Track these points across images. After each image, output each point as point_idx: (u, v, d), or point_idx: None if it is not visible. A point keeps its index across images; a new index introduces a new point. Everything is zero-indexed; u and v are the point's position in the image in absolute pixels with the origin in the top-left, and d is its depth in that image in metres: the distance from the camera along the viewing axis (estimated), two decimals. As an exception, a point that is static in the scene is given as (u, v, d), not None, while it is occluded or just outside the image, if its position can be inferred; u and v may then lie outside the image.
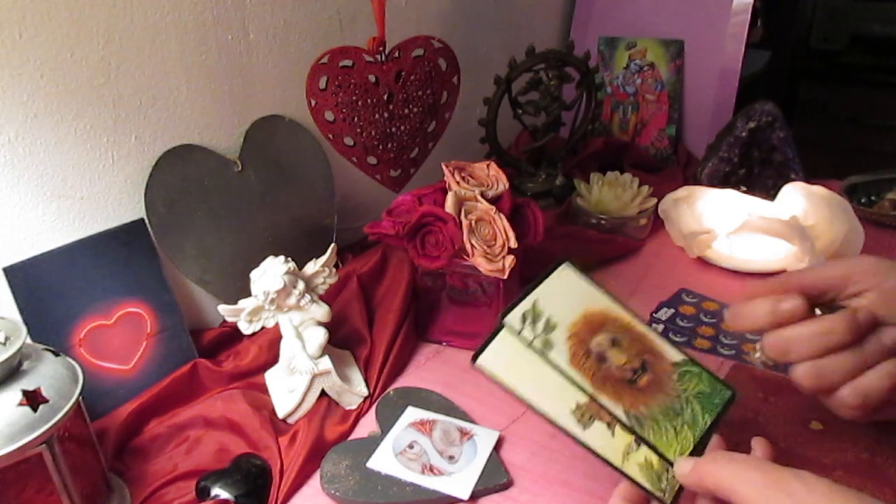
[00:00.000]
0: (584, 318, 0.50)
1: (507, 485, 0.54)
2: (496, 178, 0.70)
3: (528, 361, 0.47)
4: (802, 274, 0.50)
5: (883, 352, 0.47)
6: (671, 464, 0.44)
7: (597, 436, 0.45)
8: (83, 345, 0.62)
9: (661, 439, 0.45)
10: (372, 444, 0.57)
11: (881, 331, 0.47)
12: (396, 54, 0.76)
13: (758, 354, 0.53)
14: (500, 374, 0.47)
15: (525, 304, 0.49)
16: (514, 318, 0.48)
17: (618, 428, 0.46)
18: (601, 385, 0.46)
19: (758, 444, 0.46)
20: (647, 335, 0.51)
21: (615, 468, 0.45)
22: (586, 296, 0.51)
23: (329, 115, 0.75)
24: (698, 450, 0.45)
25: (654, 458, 0.45)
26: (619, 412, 0.46)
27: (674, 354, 0.50)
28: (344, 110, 0.74)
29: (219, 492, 0.52)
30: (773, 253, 0.81)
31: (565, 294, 0.51)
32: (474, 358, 0.47)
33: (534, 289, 0.50)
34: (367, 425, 0.61)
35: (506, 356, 0.47)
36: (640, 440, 0.45)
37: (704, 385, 0.49)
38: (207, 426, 0.61)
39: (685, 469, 0.43)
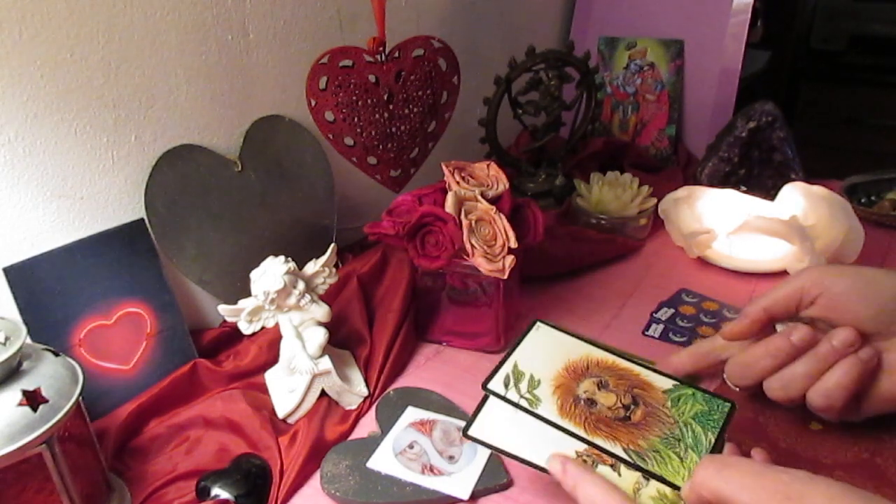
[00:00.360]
0: (566, 368, 0.51)
1: (507, 485, 0.54)
2: (496, 178, 0.70)
3: (519, 422, 0.48)
4: (764, 300, 0.54)
5: (836, 354, 0.50)
6: None
7: None
8: (83, 345, 0.62)
9: (666, 469, 0.45)
10: (372, 444, 0.57)
11: (832, 334, 0.50)
12: (396, 54, 0.76)
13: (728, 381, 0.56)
14: (495, 440, 0.47)
15: (505, 369, 0.50)
16: (495, 384, 0.49)
17: (622, 467, 0.46)
18: (595, 429, 0.47)
19: (756, 454, 0.46)
20: (632, 370, 0.52)
21: None
22: (564, 347, 0.53)
23: (329, 115, 0.75)
24: None
25: (667, 489, 0.45)
26: (618, 451, 0.46)
27: (664, 383, 0.51)
28: (344, 110, 0.74)
29: (219, 492, 0.52)
30: (773, 253, 0.81)
31: (544, 350, 0.52)
32: (466, 429, 0.48)
33: (511, 352, 0.52)
34: (367, 425, 0.61)
35: (496, 422, 0.48)
36: (647, 475, 0.45)
37: (700, 404, 0.49)
38: (207, 426, 0.61)
39: (685, 489, 0.43)
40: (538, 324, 0.55)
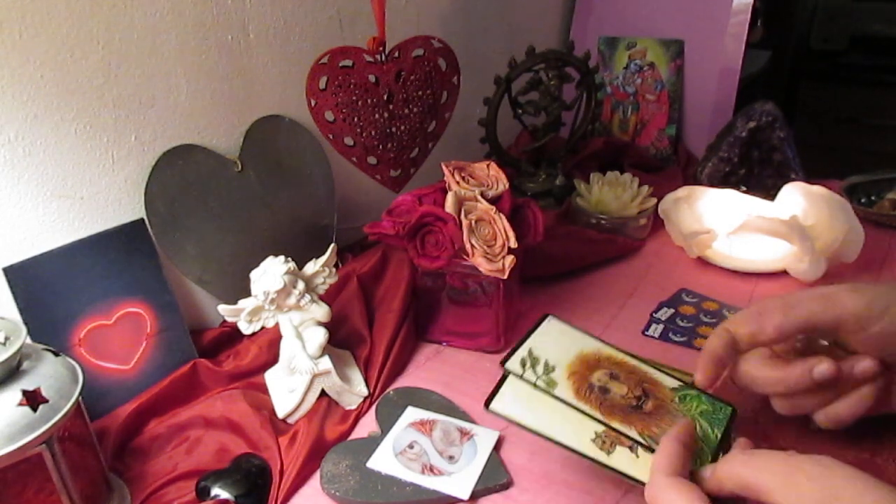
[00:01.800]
0: (579, 358, 0.52)
1: (507, 485, 0.54)
2: (496, 178, 0.70)
3: (540, 400, 0.49)
4: (797, 317, 0.50)
5: (854, 381, 0.49)
6: None
7: (622, 460, 0.47)
8: (83, 345, 0.62)
9: None
10: (372, 444, 0.57)
11: (855, 362, 0.49)
12: (396, 54, 0.76)
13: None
14: (517, 416, 0.48)
15: (521, 352, 0.52)
16: (513, 364, 0.50)
17: (640, 450, 0.47)
18: (610, 413, 0.48)
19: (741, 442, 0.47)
20: (640, 367, 0.53)
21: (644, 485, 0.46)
22: (576, 341, 0.55)
23: (329, 115, 0.75)
24: (716, 460, 0.46)
25: None
26: (633, 434, 0.47)
27: (670, 382, 0.53)
28: (344, 110, 0.74)
29: (219, 492, 0.52)
30: (773, 253, 0.81)
31: (556, 340, 0.54)
32: (487, 403, 0.49)
33: (525, 340, 0.53)
34: (367, 425, 0.61)
35: (517, 399, 0.49)
36: None
37: (705, 404, 0.51)
38: (207, 426, 0.61)
39: (706, 474, 0.43)
40: (549, 317, 0.56)
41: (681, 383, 0.52)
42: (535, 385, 0.49)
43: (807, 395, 0.51)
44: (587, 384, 0.50)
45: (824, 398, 0.51)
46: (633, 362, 0.54)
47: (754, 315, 0.51)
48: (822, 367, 0.49)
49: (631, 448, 0.47)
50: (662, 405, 0.50)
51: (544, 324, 0.55)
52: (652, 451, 0.46)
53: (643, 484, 0.45)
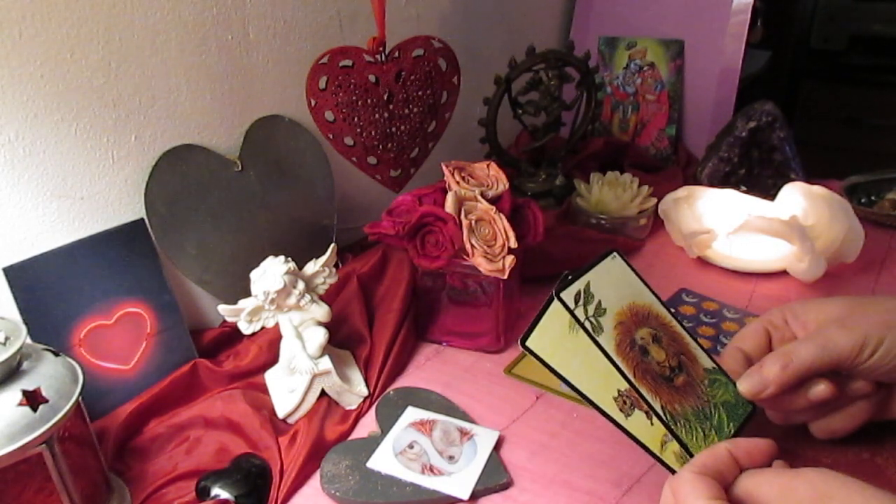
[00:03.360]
0: (630, 308, 0.50)
1: (507, 485, 0.54)
2: (496, 178, 0.70)
3: (574, 344, 0.47)
4: (796, 369, 0.49)
5: (849, 397, 0.51)
6: None
7: (637, 423, 0.46)
8: (83, 345, 0.62)
9: (691, 440, 0.46)
10: (372, 444, 0.57)
11: (854, 380, 0.50)
12: (396, 54, 0.76)
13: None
14: (548, 357, 0.47)
15: (578, 285, 0.49)
16: (568, 295, 0.47)
17: (654, 418, 0.47)
18: (642, 377, 0.47)
19: (777, 464, 0.47)
20: (684, 337, 0.52)
21: (655, 456, 0.46)
22: (633, 288, 0.52)
23: (329, 115, 0.75)
24: None
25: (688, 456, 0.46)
26: (656, 406, 0.47)
27: (706, 361, 0.52)
28: (344, 110, 0.74)
29: (219, 492, 0.52)
30: (773, 253, 0.81)
31: (615, 282, 0.51)
32: (523, 339, 0.47)
33: (586, 272, 0.50)
34: (367, 425, 0.61)
35: (553, 338, 0.47)
36: (675, 437, 0.46)
37: (730, 395, 0.51)
38: (207, 426, 0.61)
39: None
40: (614, 254, 0.53)
41: (715, 367, 0.52)
42: (581, 324, 0.47)
43: (802, 410, 0.51)
44: (630, 339, 0.48)
45: (820, 411, 0.52)
46: (679, 329, 0.52)
47: (755, 370, 0.50)
48: (819, 389, 0.50)
49: (647, 414, 0.46)
50: (692, 383, 0.49)
51: (608, 259, 0.52)
52: (666, 426, 0.46)
53: (650, 452, 0.45)
